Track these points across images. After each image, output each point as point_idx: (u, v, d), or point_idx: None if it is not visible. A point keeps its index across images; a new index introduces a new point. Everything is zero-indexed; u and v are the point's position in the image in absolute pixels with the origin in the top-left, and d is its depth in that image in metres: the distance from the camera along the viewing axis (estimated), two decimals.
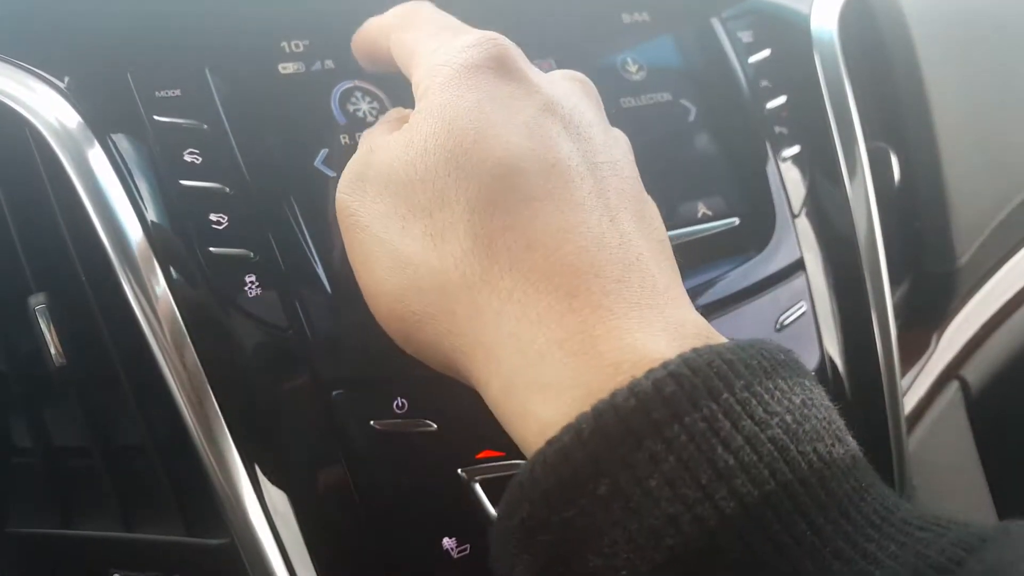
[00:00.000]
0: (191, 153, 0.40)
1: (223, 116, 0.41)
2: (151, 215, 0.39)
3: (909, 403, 0.58)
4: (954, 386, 0.67)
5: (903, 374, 0.53)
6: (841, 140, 0.54)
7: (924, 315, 0.67)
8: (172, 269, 0.38)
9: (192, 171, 0.40)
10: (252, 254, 0.40)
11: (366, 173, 0.34)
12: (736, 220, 0.49)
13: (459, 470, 0.40)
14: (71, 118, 0.39)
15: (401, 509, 0.40)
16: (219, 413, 0.38)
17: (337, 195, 0.36)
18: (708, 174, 0.50)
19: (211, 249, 0.39)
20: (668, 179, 0.49)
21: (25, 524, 0.46)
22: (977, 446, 0.68)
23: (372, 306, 0.35)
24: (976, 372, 0.68)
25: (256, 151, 0.41)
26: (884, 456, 0.54)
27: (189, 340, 0.38)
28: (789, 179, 0.53)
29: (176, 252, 0.39)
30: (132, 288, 0.38)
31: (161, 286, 0.38)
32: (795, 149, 0.53)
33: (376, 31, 0.39)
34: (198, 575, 0.44)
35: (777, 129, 0.54)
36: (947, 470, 0.66)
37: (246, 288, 0.39)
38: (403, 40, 0.36)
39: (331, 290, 0.40)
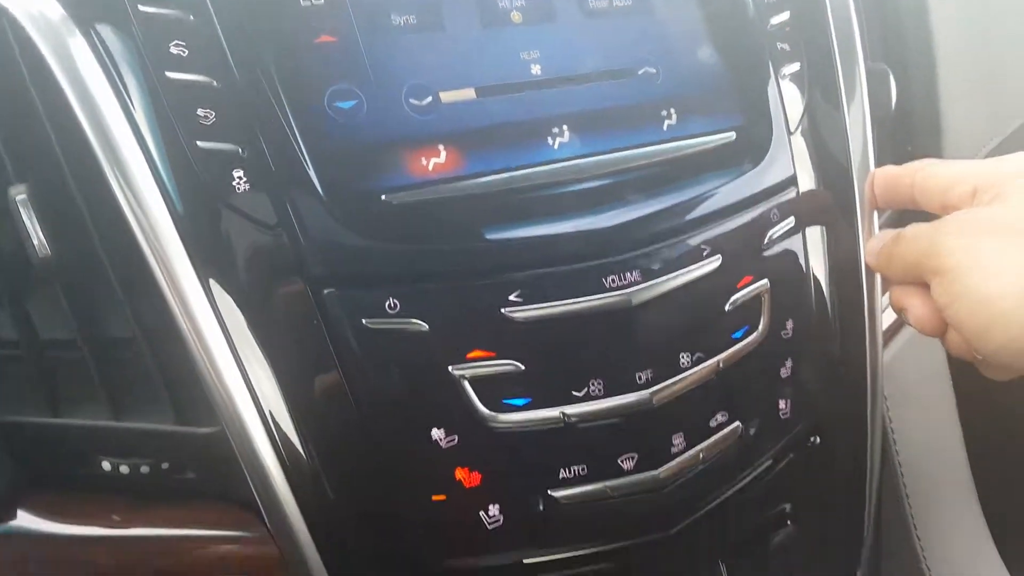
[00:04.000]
0: (177, 45, 0.39)
1: (210, 6, 0.39)
2: (136, 108, 0.38)
3: (888, 319, 0.59)
4: None
5: (884, 291, 0.53)
6: (842, 59, 0.53)
7: None
8: (158, 162, 0.38)
9: (178, 63, 0.39)
10: (240, 149, 0.39)
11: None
12: (733, 135, 0.49)
13: (450, 368, 0.41)
14: (52, 8, 0.37)
15: (392, 403, 0.41)
16: (207, 305, 0.38)
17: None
18: (707, 88, 0.50)
19: (198, 143, 0.38)
20: (666, 90, 0.48)
21: (13, 412, 0.46)
22: (948, 361, 0.70)
23: None
24: None
25: (244, 43, 0.39)
26: (859, 367, 0.55)
27: (176, 233, 0.38)
28: (788, 96, 0.52)
29: (162, 145, 0.38)
30: (117, 180, 0.38)
31: (147, 178, 0.38)
32: (795, 66, 0.52)
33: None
34: (187, 462, 0.45)
35: (779, 45, 0.52)
36: (919, 383, 0.68)
37: (234, 183, 0.39)
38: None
39: (321, 188, 0.39)
